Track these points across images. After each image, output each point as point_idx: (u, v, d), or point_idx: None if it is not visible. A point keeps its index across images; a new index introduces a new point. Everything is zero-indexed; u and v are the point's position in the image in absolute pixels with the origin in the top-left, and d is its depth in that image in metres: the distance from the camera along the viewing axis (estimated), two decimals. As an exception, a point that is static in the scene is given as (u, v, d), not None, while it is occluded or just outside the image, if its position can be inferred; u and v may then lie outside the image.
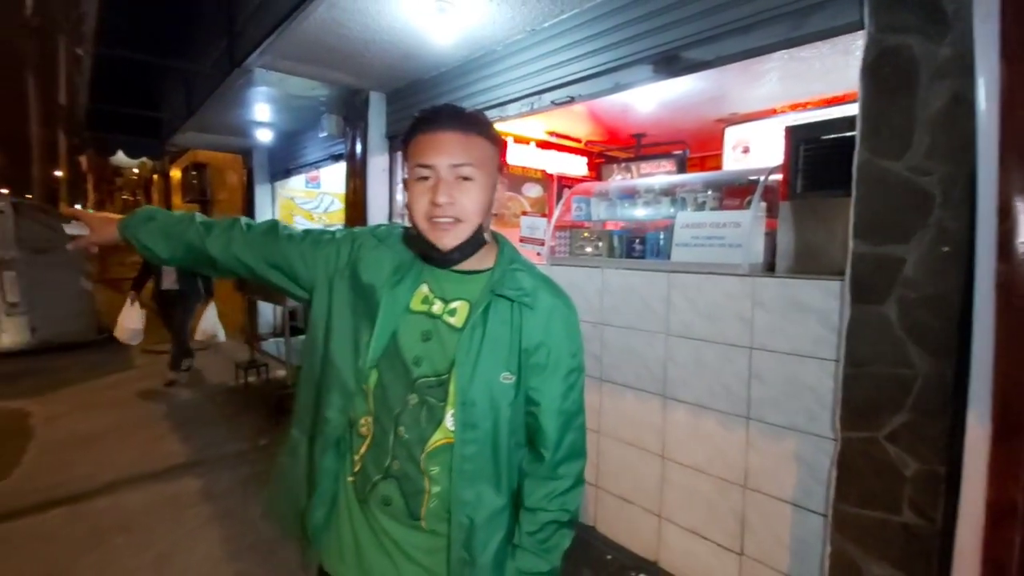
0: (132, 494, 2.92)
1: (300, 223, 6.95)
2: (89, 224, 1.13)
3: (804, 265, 1.87)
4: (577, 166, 5.41)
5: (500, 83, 2.88)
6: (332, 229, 1.06)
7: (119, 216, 1.13)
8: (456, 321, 0.91)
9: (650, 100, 3.86)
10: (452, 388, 0.89)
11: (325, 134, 4.45)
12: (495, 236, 0.99)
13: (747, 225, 1.90)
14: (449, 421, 0.89)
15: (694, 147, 5.12)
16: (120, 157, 7.08)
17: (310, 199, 7.03)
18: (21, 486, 2.98)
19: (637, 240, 2.38)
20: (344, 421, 0.94)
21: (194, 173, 8.23)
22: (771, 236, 2.04)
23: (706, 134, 4.86)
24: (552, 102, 2.56)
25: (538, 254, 2.72)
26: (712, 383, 1.98)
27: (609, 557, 2.33)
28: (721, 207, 2.17)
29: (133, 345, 4.83)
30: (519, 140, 4.88)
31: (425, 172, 0.88)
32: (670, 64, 2.03)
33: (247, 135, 5.78)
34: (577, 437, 1.00)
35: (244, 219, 1.07)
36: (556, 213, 2.71)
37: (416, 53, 3.02)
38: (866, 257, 1.49)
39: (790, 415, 1.76)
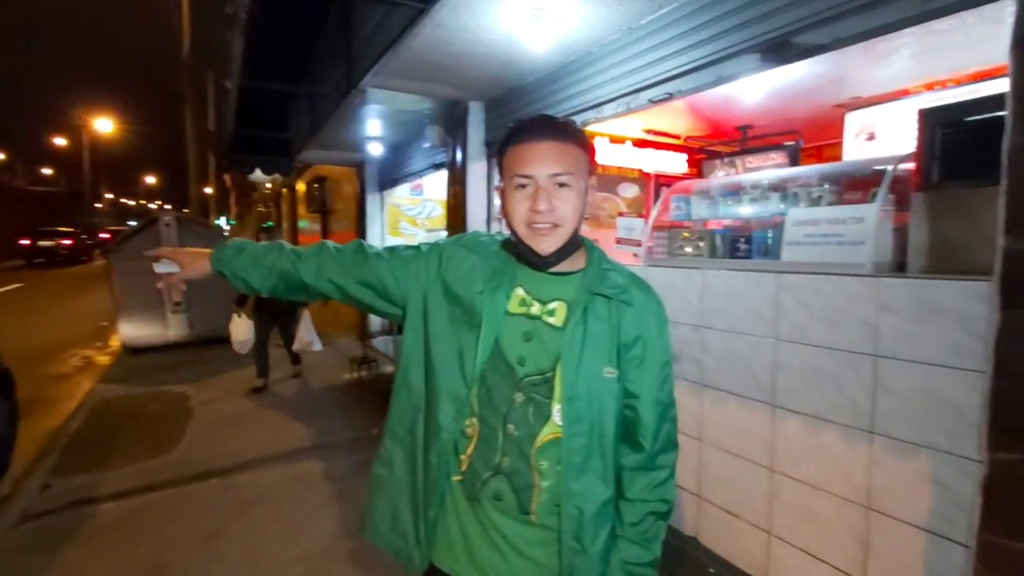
0: (268, 471, 3.32)
1: (405, 229, 7.43)
2: (180, 261, 1.17)
3: (941, 264, 1.66)
4: (676, 164, 5.21)
5: (595, 84, 2.88)
6: (416, 244, 1.10)
7: (208, 251, 1.15)
8: (556, 321, 0.96)
9: (757, 89, 3.62)
10: (557, 384, 0.93)
11: (428, 144, 4.73)
12: (581, 239, 1.02)
13: (872, 220, 1.73)
14: (556, 416, 0.93)
15: (808, 137, 4.70)
16: (257, 174, 8.08)
17: (414, 206, 7.49)
18: (183, 459, 3.52)
19: (742, 239, 2.25)
20: (459, 426, 0.97)
21: (316, 186, 9.13)
22: (900, 232, 1.84)
23: (823, 122, 4.44)
24: (650, 100, 2.51)
25: (635, 255, 2.67)
26: (830, 393, 1.82)
27: (712, 571, 2.23)
28: (840, 201, 1.99)
29: (244, 353, 5.13)
30: (614, 140, 4.81)
31: (524, 181, 0.92)
32: (779, 51, 1.90)
33: (360, 149, 6.32)
34: (672, 428, 1.03)
35: (330, 243, 1.11)
36: (654, 213, 2.65)
37: (513, 61, 3.12)
38: (1019, 255, 1.29)
39: (924, 431, 1.57)
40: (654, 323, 1.00)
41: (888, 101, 3.62)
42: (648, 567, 1.01)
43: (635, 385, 0.98)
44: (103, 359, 6.44)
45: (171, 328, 6.74)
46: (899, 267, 1.81)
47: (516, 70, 3.29)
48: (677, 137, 5.15)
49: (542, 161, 0.91)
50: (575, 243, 0.97)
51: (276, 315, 5.15)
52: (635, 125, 4.80)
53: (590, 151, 0.98)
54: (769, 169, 4.26)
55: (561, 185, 0.92)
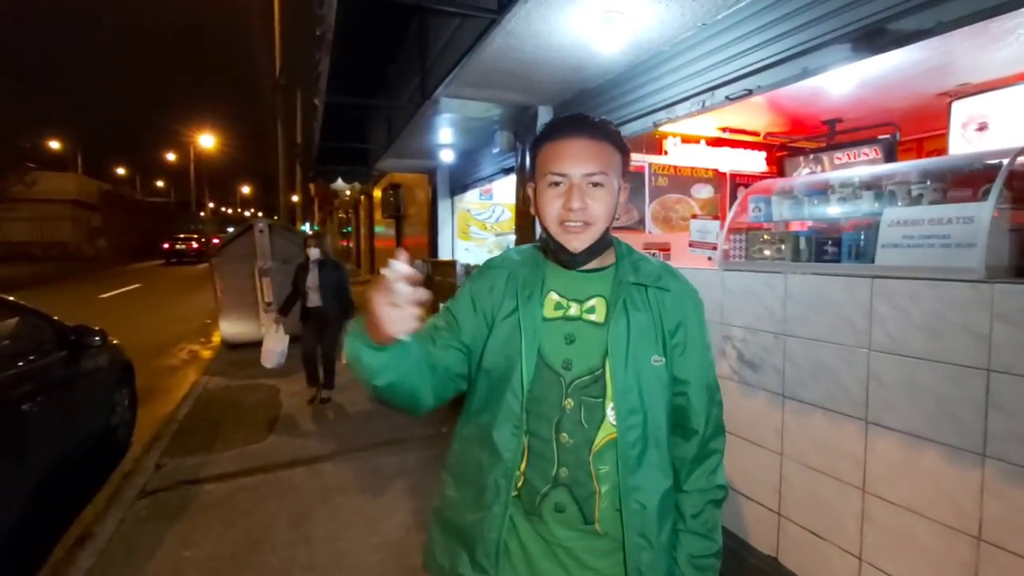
0: (348, 462, 3.53)
1: (475, 233, 7.60)
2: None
3: (1072, 269, 1.47)
4: (755, 162, 4.97)
5: (667, 84, 2.81)
6: (447, 308, 1.07)
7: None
8: (597, 317, 0.96)
9: (847, 80, 3.38)
10: (608, 381, 0.92)
11: (497, 150, 4.82)
12: (612, 237, 1.02)
13: (984, 220, 1.56)
14: (611, 415, 0.92)
15: (905, 129, 4.31)
16: (339, 183, 8.61)
17: (483, 210, 7.66)
18: (274, 446, 3.82)
19: (829, 242, 2.11)
20: (520, 444, 0.95)
21: (391, 192, 9.58)
22: (1018, 233, 1.65)
23: (923, 112, 4.06)
24: (727, 97, 2.42)
25: (709, 259, 2.58)
26: (932, 410, 1.66)
27: (793, 593, 2.11)
28: (944, 200, 1.81)
29: (268, 366, 4.61)
30: (686, 139, 4.67)
31: (558, 179, 0.92)
32: (874, 39, 1.77)
33: (432, 157, 6.56)
34: (720, 412, 1.03)
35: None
36: (730, 214, 2.54)
37: (583, 65, 3.12)
38: None
39: (1051, 458, 1.40)
40: (692, 308, 1.00)
41: (1003, 87, 3.24)
42: (714, 557, 1.00)
43: (683, 371, 0.98)
44: (206, 353, 7.13)
45: (264, 326, 7.33)
46: (1017, 272, 1.62)
47: (585, 73, 3.28)
48: (755, 134, 4.91)
49: (577, 159, 0.91)
50: (606, 241, 0.98)
51: (323, 326, 4.59)
52: (709, 123, 4.63)
53: (626, 151, 0.98)
54: (861, 165, 3.95)
55: (595, 184, 0.92)
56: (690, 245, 2.68)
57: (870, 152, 4.13)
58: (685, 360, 0.98)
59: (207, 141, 38.62)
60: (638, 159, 4.45)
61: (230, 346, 7.15)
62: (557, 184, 0.93)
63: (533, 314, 0.95)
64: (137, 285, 15.81)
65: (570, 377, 0.93)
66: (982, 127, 3.23)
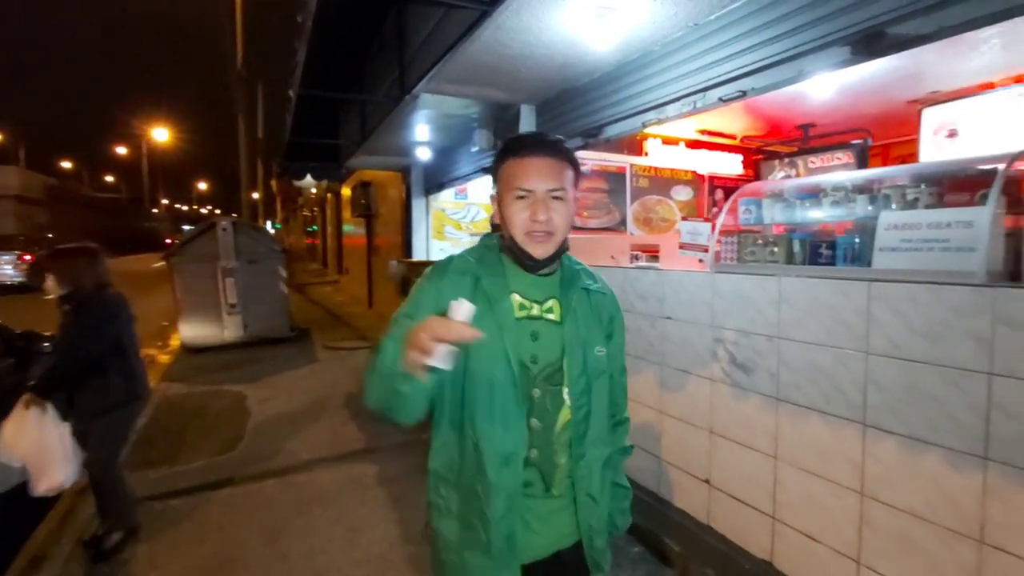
0: (324, 472, 3.37)
1: (450, 234, 7.48)
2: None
3: (1067, 273, 1.50)
4: (731, 165, 5.03)
5: (657, 84, 2.78)
6: (406, 313, 1.07)
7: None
8: (555, 317, 1.11)
9: (824, 86, 3.44)
10: (565, 369, 1.08)
11: (476, 148, 4.72)
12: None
13: (984, 224, 1.58)
14: (567, 398, 1.09)
15: (877, 134, 4.44)
16: (307, 180, 8.31)
17: (459, 210, 7.54)
18: (244, 457, 3.62)
19: (824, 245, 2.11)
20: (519, 435, 1.05)
21: (361, 191, 9.32)
22: (1013, 237, 1.67)
23: (894, 119, 4.19)
24: (720, 99, 2.40)
25: (700, 261, 2.56)
26: (933, 414, 1.67)
27: (789, 597, 2.10)
28: (940, 204, 1.83)
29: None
30: (667, 141, 4.69)
31: (524, 193, 1.04)
32: (873, 43, 1.77)
33: (407, 154, 6.40)
34: (626, 385, 1.30)
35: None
36: (721, 217, 2.53)
37: (570, 63, 3.06)
38: None
39: (1052, 460, 1.42)
40: (616, 306, 1.23)
41: (971, 95, 3.37)
42: (629, 500, 1.31)
43: (612, 358, 1.19)
44: (164, 358, 6.75)
45: (227, 329, 7.00)
46: (1012, 276, 1.65)
47: (572, 71, 3.23)
48: (733, 137, 4.97)
49: (540, 176, 1.04)
50: (564, 249, 1.12)
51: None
52: (689, 126, 4.66)
53: (578, 168, 1.12)
54: (837, 170, 4.05)
55: (556, 198, 1.05)
56: (680, 247, 2.65)
57: (843, 156, 4.24)
58: (613, 347, 1.19)
59: (161, 135, 36.95)
60: (620, 160, 4.43)
61: (191, 350, 6.80)
62: (523, 198, 1.05)
63: (505, 315, 1.06)
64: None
65: (536, 370, 1.07)
66: (952, 134, 3.34)
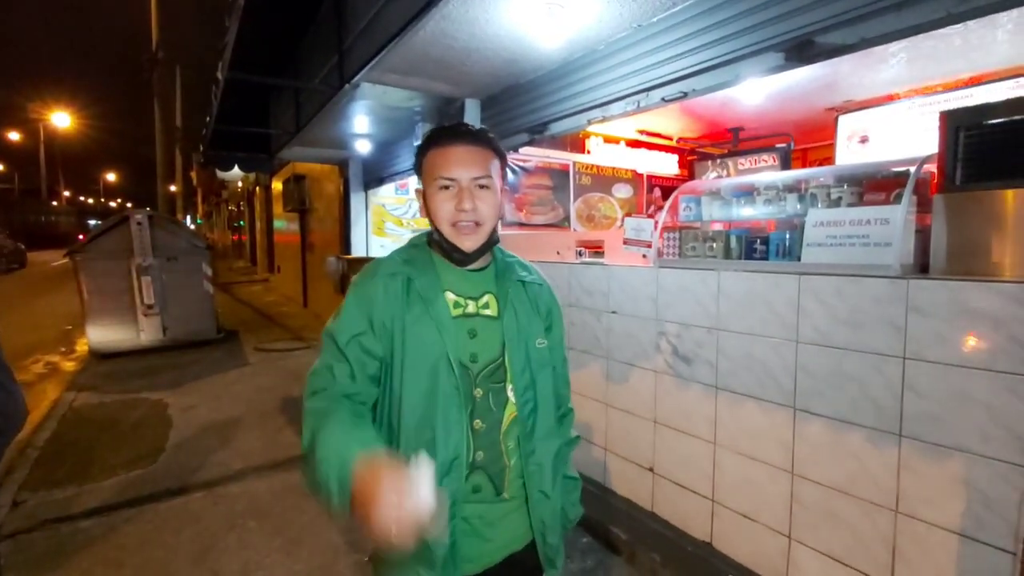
0: (260, 481, 3.17)
1: (391, 230, 7.28)
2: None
3: (964, 266, 1.66)
4: (668, 164, 5.24)
5: (603, 82, 2.83)
6: (339, 328, 1.03)
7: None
8: (492, 312, 1.08)
9: (754, 92, 3.66)
10: (507, 365, 1.05)
11: (419, 142, 4.62)
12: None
13: (899, 221, 1.72)
14: (511, 395, 1.05)
15: (799, 139, 4.79)
16: (234, 172, 7.79)
17: (400, 205, 7.35)
18: (166, 470, 3.33)
19: (758, 240, 2.24)
20: (462, 438, 1.01)
21: (294, 184, 8.87)
22: (922, 234, 1.84)
23: (813, 125, 4.53)
24: (663, 99, 2.48)
25: (644, 256, 2.64)
26: (855, 396, 1.81)
27: (728, 576, 2.21)
28: (861, 203, 1.99)
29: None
30: (608, 140, 4.81)
31: (448, 183, 1.01)
32: (804, 51, 1.89)
33: (345, 147, 6.15)
34: (568, 376, 1.29)
35: (317, 405, 0.98)
36: (663, 214, 2.61)
37: (518, 58, 3.05)
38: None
39: (956, 435, 1.57)
40: (553, 297, 1.22)
41: (879, 105, 3.70)
42: (579, 491, 1.29)
43: (553, 349, 1.18)
44: (69, 365, 6.11)
45: (143, 332, 6.44)
46: (922, 269, 1.81)
47: (518, 67, 3.22)
48: (669, 138, 5.18)
49: (464, 164, 1.01)
50: (493, 240, 1.09)
51: None
52: (629, 125, 4.80)
53: (504, 157, 1.10)
54: (763, 171, 4.31)
55: (482, 187, 1.02)
56: (625, 243, 2.72)
57: (768, 159, 4.53)
58: (552, 338, 1.18)
59: (63, 120, 33.47)
60: (564, 157, 4.49)
61: (101, 356, 6.19)
62: (447, 187, 1.01)
63: (442, 315, 1.02)
64: (-30, 286, 13.23)
65: (477, 369, 1.04)
66: (864, 140, 3.66)
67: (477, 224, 1.02)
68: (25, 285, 14.12)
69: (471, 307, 1.07)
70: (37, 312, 9.64)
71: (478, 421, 1.03)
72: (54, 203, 40.21)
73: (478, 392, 1.03)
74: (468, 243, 1.03)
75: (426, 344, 1.00)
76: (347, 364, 1.01)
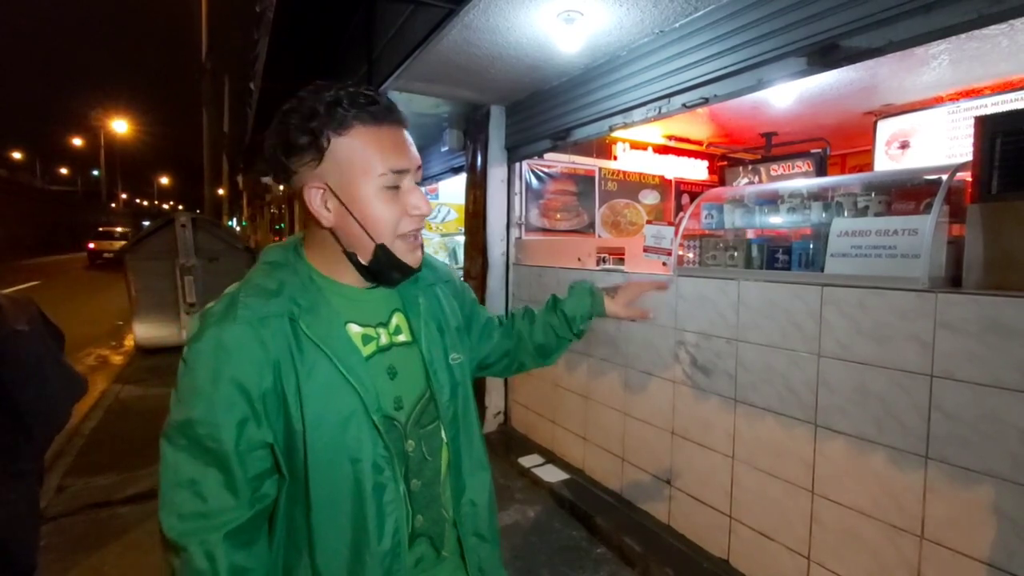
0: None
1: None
2: None
3: (1000, 279, 1.57)
4: (697, 170, 5.14)
5: (624, 88, 2.81)
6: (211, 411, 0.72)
7: None
8: (406, 336, 0.85)
9: (786, 96, 3.56)
10: (436, 398, 0.84)
11: (446, 148, 4.68)
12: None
13: (928, 232, 1.64)
14: (444, 435, 0.86)
15: (835, 144, 4.61)
16: (271, 178, 8.08)
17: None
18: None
19: (780, 250, 2.17)
20: (397, 515, 0.79)
21: (330, 188, 9.11)
22: (954, 245, 1.75)
23: (851, 129, 4.36)
24: (683, 105, 2.44)
25: (664, 264, 2.60)
26: (879, 414, 1.73)
27: (745, 594, 2.14)
28: (888, 212, 1.90)
29: None
30: (635, 145, 4.75)
31: (396, 178, 0.76)
32: (827, 55, 1.83)
33: (376, 152, 6.28)
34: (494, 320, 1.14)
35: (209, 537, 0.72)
36: (684, 221, 2.57)
37: (540, 65, 3.06)
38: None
39: (986, 459, 1.48)
40: (462, 284, 1.04)
41: (922, 109, 3.53)
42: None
43: (484, 343, 1.07)
44: (117, 359, 6.46)
45: (185, 329, 6.74)
46: (953, 282, 1.72)
47: (541, 74, 3.23)
48: (699, 143, 5.08)
49: (411, 153, 0.76)
50: None
51: None
52: (656, 131, 4.74)
53: None
54: (796, 177, 4.17)
55: (418, 183, 0.80)
56: (645, 250, 2.68)
57: (803, 165, 4.37)
58: (479, 327, 1.06)
59: (121, 126, 35.48)
60: (590, 163, 4.46)
61: (145, 351, 6.52)
62: (395, 186, 0.75)
63: (350, 359, 0.75)
64: (36, 283, 14.16)
65: (404, 417, 0.80)
66: (904, 145, 3.50)
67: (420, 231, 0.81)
68: (85, 282, 15.03)
69: (384, 338, 0.82)
70: (93, 307, 10.23)
71: (415, 481, 0.81)
72: (112, 205, 42.65)
73: (410, 445, 0.81)
74: (417, 256, 0.81)
75: (334, 405, 0.73)
76: (221, 472, 0.71)
